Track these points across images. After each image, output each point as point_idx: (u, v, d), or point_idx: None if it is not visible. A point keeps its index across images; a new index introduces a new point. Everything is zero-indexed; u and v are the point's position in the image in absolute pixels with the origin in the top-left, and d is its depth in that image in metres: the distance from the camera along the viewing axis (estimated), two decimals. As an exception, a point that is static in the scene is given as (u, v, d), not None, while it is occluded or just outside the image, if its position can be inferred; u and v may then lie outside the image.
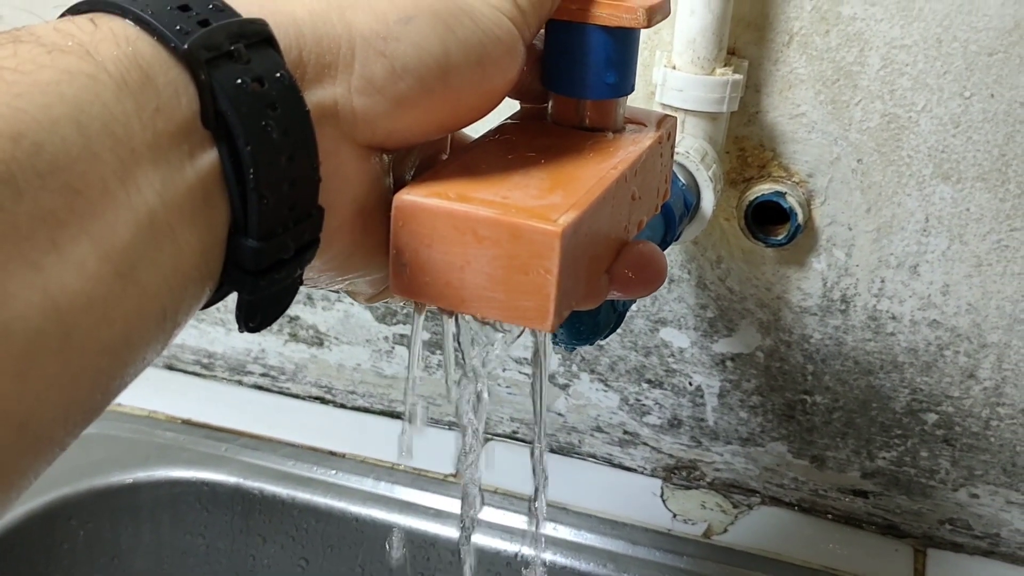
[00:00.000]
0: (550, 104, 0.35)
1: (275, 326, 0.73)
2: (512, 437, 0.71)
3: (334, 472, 0.67)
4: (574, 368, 0.67)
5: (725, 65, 0.53)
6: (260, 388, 0.77)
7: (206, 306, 0.25)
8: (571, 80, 0.33)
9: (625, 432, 0.68)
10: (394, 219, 0.29)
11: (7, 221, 0.19)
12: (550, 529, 0.63)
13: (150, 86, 0.22)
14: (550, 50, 0.34)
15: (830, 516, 0.66)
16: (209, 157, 0.23)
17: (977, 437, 0.61)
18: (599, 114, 0.34)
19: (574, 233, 0.28)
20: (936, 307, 0.58)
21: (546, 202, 0.28)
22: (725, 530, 0.64)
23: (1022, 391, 0.59)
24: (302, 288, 0.29)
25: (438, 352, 0.70)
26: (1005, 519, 0.63)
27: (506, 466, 0.68)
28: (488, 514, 0.64)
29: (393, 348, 0.71)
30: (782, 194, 0.56)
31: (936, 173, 0.54)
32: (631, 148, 0.33)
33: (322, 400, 0.75)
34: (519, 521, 0.64)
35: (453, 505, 0.64)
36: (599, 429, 0.69)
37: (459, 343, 0.33)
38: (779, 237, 0.57)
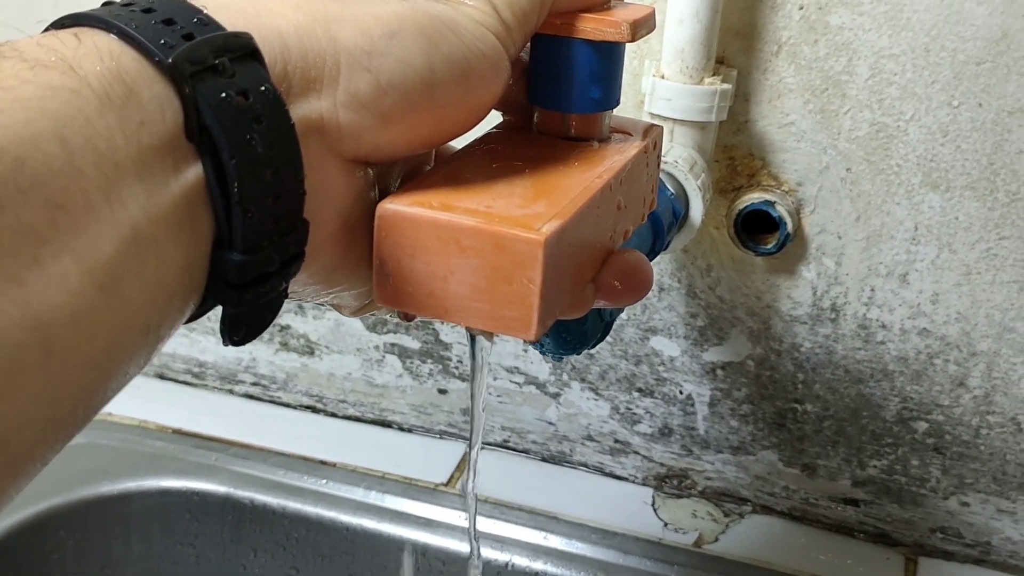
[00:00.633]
0: (536, 114, 0.35)
1: (266, 335, 0.73)
2: (503, 446, 0.71)
3: (325, 481, 0.67)
4: (564, 377, 0.67)
5: (714, 75, 0.53)
6: (251, 397, 0.76)
7: (190, 320, 0.25)
8: (556, 95, 0.33)
9: (616, 441, 0.68)
10: (377, 228, 0.29)
11: None
12: (541, 538, 0.63)
13: (134, 100, 0.22)
14: (535, 65, 0.34)
15: (821, 525, 0.66)
16: (194, 171, 0.23)
17: (967, 445, 0.61)
18: (585, 125, 0.34)
19: (557, 242, 0.28)
20: (926, 316, 0.58)
21: (530, 211, 0.28)
22: (716, 539, 0.64)
23: (1012, 399, 0.59)
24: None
25: (429, 361, 0.70)
26: (996, 527, 0.63)
27: (497, 475, 0.68)
28: (479, 523, 0.64)
29: (384, 357, 0.71)
30: (771, 203, 0.56)
31: (925, 182, 0.55)
32: (616, 157, 0.33)
33: (313, 409, 0.75)
34: (510, 530, 0.63)
35: (444, 515, 0.64)
36: (590, 438, 0.69)
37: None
38: (769, 246, 0.57)
